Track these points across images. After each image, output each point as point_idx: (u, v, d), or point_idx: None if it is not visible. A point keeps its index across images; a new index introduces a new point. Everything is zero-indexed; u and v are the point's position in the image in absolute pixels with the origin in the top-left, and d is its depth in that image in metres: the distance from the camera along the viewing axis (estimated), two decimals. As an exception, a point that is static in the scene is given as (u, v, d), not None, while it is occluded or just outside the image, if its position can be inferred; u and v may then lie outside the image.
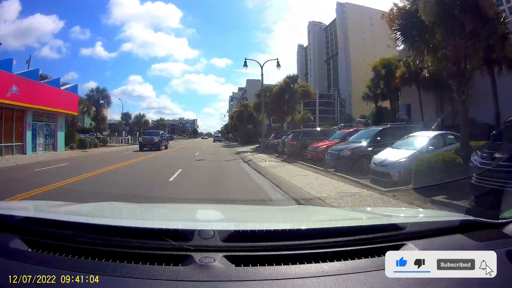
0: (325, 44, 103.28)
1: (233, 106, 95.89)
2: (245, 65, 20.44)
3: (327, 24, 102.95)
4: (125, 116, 70.76)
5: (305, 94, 27.97)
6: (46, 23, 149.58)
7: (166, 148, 26.17)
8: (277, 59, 21.11)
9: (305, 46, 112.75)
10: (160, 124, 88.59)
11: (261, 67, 20.86)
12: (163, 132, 29.11)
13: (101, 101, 42.12)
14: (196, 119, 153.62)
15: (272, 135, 24.19)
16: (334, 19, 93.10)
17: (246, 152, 20.26)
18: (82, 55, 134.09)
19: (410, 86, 27.79)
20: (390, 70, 29.21)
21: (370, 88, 32.78)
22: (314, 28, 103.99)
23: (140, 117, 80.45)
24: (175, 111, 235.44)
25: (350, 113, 75.63)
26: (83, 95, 40.03)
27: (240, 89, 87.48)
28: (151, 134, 25.94)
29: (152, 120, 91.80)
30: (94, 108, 40.80)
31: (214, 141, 55.90)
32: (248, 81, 67.78)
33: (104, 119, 52.42)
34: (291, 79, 27.76)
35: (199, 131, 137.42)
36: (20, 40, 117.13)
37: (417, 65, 27.57)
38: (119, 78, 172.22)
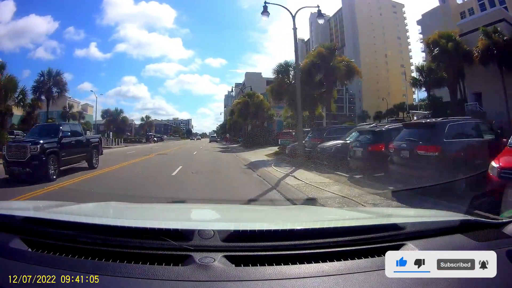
0: (329, 36, 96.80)
1: (230, 104, 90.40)
2: (265, 11, 12.32)
3: (330, 16, 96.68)
4: (106, 114, 61.36)
5: (350, 72, 17.99)
6: (41, 24, 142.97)
7: (92, 166, 10.99)
8: (318, 6, 12.92)
9: (306, 40, 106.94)
10: (145, 123, 76.31)
11: (293, 17, 12.49)
12: (73, 125, 12.88)
13: (54, 89, 32.79)
14: (191, 119, 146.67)
15: (309, 134, 14.48)
16: (340, 10, 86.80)
17: (268, 164, 11.85)
18: (76, 56, 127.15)
19: (485, 66, 19.57)
20: (457, 45, 21.07)
21: (422, 71, 24.61)
22: (317, 19, 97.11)
23: (116, 113, 61.26)
24: (170, 112, 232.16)
25: (362, 109, 68.78)
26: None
27: (237, 84, 79.44)
28: (33, 135, 9.87)
29: (144, 118, 79.84)
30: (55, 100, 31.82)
31: (210, 141, 53.55)
32: (248, 74, 59.81)
33: (74, 117, 43.78)
34: (328, 50, 18.09)
35: (193, 132, 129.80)
36: (14, 42, 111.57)
37: (503, 36, 19.31)
38: (114, 79, 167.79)
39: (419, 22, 58.52)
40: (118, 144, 35.91)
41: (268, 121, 31.60)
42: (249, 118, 32.50)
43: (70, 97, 67.64)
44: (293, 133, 28.91)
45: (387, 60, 74.43)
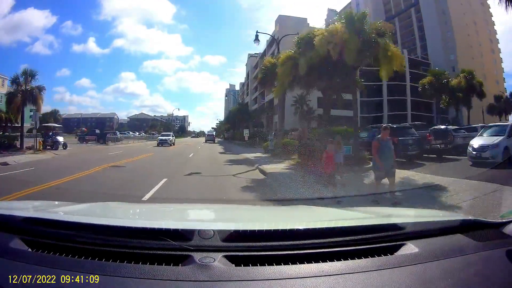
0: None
1: (230, 102, 74.61)
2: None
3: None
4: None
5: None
6: (39, 18, 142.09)
7: None
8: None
9: (338, 10, 78.53)
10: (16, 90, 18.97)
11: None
12: None
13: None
14: (187, 116, 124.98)
15: None
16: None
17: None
18: (74, 51, 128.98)
19: None
20: None
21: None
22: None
23: None
24: (169, 110, 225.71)
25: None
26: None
27: (251, 56, 53.58)
28: None
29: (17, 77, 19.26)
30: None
31: (206, 141, 42.99)
32: (282, 18, 33.92)
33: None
34: None
35: (189, 129, 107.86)
36: (12, 35, 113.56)
37: None
38: (112, 75, 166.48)
39: None
40: None
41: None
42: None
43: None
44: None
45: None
